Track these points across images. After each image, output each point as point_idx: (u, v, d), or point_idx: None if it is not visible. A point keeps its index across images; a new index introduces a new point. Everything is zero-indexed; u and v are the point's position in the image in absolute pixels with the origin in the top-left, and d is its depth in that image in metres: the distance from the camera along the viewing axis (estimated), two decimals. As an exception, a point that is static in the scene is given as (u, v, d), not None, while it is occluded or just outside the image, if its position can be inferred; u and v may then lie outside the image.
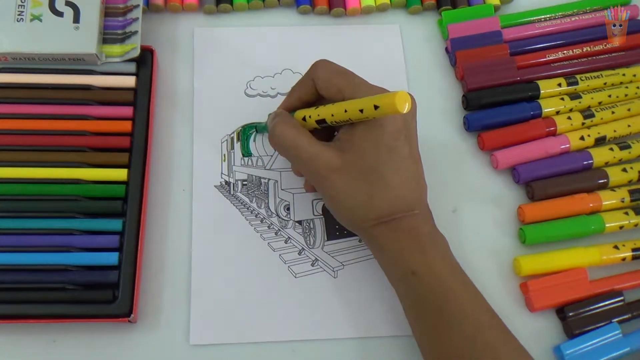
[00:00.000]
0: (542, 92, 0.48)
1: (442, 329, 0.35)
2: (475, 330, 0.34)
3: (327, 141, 0.39)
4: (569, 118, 0.47)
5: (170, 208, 0.44)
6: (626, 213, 0.44)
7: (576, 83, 0.48)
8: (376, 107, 0.33)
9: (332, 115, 0.37)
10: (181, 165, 0.46)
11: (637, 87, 0.48)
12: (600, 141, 0.46)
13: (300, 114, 0.40)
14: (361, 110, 0.34)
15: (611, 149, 0.46)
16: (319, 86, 0.39)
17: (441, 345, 0.35)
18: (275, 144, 0.39)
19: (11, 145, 0.43)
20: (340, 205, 0.38)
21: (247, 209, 0.45)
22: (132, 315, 0.39)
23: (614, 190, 0.45)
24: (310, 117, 0.39)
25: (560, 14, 0.52)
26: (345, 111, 0.36)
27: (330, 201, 0.39)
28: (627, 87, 0.48)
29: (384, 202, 0.36)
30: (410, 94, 0.33)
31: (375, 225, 0.37)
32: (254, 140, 0.47)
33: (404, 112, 0.32)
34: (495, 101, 0.48)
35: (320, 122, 0.38)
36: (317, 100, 0.40)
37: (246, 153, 0.47)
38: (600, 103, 0.48)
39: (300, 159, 0.38)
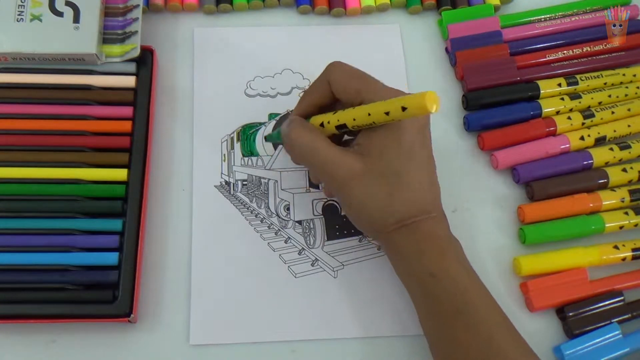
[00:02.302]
0: (542, 92, 0.48)
1: (458, 331, 0.35)
2: (490, 333, 0.34)
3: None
4: (569, 118, 0.47)
5: (170, 208, 0.44)
6: (626, 213, 0.44)
7: (576, 83, 0.48)
8: (404, 109, 0.32)
9: (354, 119, 0.36)
10: (181, 165, 0.46)
11: (637, 87, 0.48)
12: (600, 141, 0.46)
13: (317, 119, 0.39)
14: (387, 113, 0.34)
15: (611, 149, 0.46)
16: (336, 89, 0.38)
17: (456, 347, 0.35)
18: (292, 149, 0.39)
19: (11, 145, 0.43)
20: (361, 211, 0.37)
21: (247, 209, 0.45)
22: (132, 315, 0.39)
23: (614, 190, 0.45)
24: (329, 122, 0.38)
25: (560, 14, 0.52)
26: (369, 114, 0.35)
27: (350, 207, 0.38)
28: (627, 87, 0.48)
29: (404, 205, 0.36)
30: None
31: (395, 229, 0.37)
32: (254, 140, 0.47)
33: (434, 112, 0.31)
34: (495, 101, 0.48)
35: (340, 127, 0.37)
36: (331, 104, 0.40)
37: (246, 153, 0.47)
38: (600, 103, 0.48)
39: (318, 164, 0.37)
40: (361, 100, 0.37)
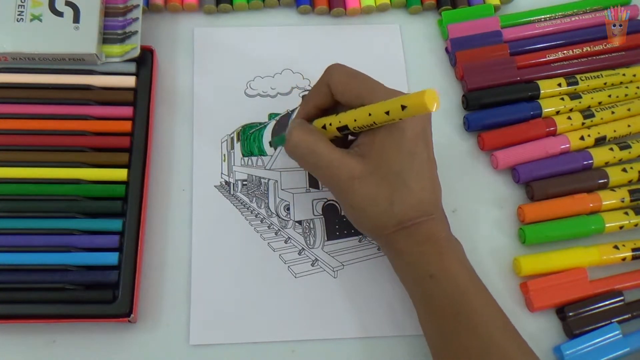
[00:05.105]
0: (542, 92, 0.48)
1: (457, 332, 0.35)
2: (490, 334, 0.34)
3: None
4: (569, 118, 0.47)
5: (170, 208, 0.44)
6: (626, 213, 0.44)
7: (576, 83, 0.48)
8: (404, 108, 0.32)
9: (355, 120, 0.36)
10: (181, 165, 0.46)
11: (637, 87, 0.49)
12: (600, 141, 0.46)
13: (319, 122, 0.39)
14: (387, 112, 0.33)
15: (611, 149, 0.46)
16: (335, 91, 0.38)
17: (455, 347, 0.35)
18: (293, 152, 0.38)
19: (11, 145, 0.43)
20: (362, 213, 0.37)
21: (247, 209, 0.45)
22: (132, 315, 0.39)
23: (614, 190, 0.45)
24: (331, 124, 0.38)
25: (560, 14, 0.52)
26: (370, 115, 0.35)
27: (351, 209, 0.38)
28: (627, 87, 0.48)
29: (406, 207, 0.36)
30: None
31: (395, 231, 0.37)
32: (253, 140, 0.47)
33: (434, 110, 0.31)
34: (495, 101, 0.48)
35: (342, 128, 0.37)
36: (333, 106, 0.39)
37: (246, 153, 0.47)
38: (600, 103, 0.48)
39: (319, 166, 0.37)
40: (361, 102, 0.36)
